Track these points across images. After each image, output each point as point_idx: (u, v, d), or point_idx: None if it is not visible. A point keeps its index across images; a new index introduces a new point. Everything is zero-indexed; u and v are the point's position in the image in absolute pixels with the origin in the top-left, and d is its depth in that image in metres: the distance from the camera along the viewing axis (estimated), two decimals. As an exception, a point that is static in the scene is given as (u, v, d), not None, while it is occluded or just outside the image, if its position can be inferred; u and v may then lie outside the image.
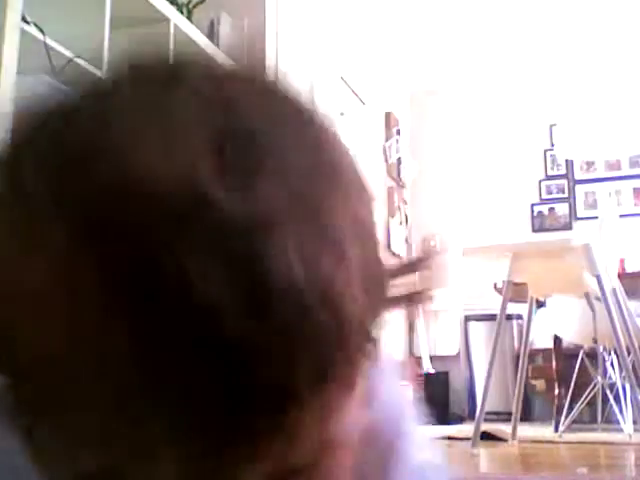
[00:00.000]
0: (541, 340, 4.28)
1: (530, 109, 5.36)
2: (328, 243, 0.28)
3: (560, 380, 3.65)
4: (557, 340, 3.71)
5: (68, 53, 1.99)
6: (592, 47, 4.93)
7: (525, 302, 3.13)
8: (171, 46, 2.49)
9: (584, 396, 3.46)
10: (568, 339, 3.61)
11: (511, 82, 5.41)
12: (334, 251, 0.28)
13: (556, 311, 3.41)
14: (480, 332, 4.70)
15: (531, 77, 5.35)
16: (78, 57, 2.01)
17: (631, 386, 2.78)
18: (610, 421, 3.53)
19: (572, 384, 3.48)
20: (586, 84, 5.13)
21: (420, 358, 4.61)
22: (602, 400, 3.51)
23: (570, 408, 3.42)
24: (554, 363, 3.70)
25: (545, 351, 4.15)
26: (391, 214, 4.94)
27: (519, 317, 4.50)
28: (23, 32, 1.79)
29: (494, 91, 5.46)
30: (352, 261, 0.28)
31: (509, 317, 4.22)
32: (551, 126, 5.35)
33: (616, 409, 3.37)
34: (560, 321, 3.45)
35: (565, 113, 5.18)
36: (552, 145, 5.32)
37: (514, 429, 3.09)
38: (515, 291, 3.15)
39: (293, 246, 0.26)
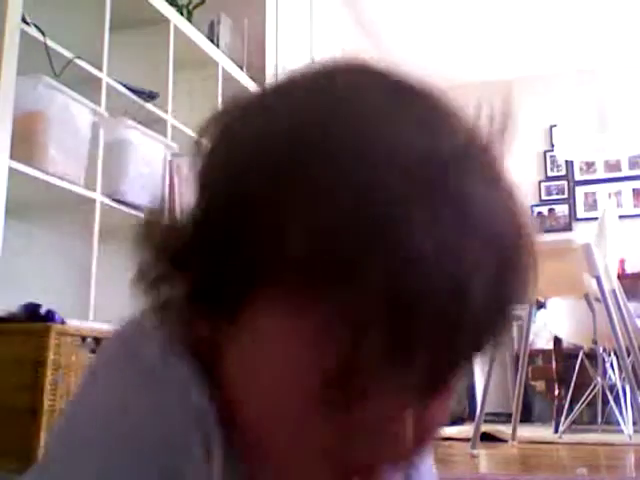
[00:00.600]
0: (541, 341, 4.28)
1: (530, 110, 5.36)
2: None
3: (560, 381, 3.64)
4: (557, 341, 3.71)
5: (68, 54, 1.99)
6: (591, 48, 4.93)
7: (529, 303, 3.12)
8: (171, 47, 2.49)
9: (584, 397, 3.46)
10: (568, 340, 3.60)
11: (511, 83, 5.41)
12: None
13: (556, 312, 3.41)
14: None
15: (531, 78, 5.35)
16: (78, 58, 2.02)
17: (631, 387, 2.77)
18: (610, 422, 3.52)
19: (572, 385, 3.47)
20: (585, 85, 5.13)
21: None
22: (602, 401, 3.51)
23: (570, 409, 3.41)
24: (554, 364, 3.70)
25: (545, 352, 4.14)
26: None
27: (519, 318, 4.49)
28: (23, 33, 1.79)
29: (494, 92, 5.46)
30: None
31: (513, 318, 4.21)
32: (551, 127, 5.35)
33: (616, 410, 3.37)
34: (560, 322, 3.44)
35: (565, 114, 5.17)
36: (552, 146, 5.31)
37: (514, 430, 3.09)
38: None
39: None
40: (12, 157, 1.71)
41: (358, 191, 0.33)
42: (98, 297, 1.93)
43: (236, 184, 0.37)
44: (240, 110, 0.40)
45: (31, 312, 1.64)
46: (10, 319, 1.61)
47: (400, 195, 0.32)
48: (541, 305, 3.49)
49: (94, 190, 2.01)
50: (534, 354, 4.20)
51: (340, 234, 0.33)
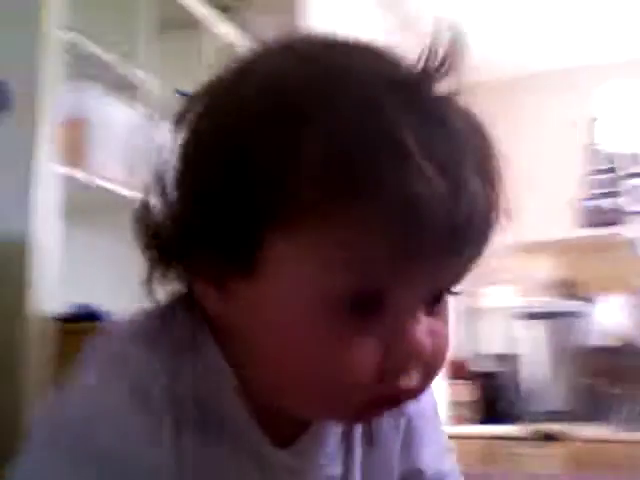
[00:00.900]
0: (601, 338, 4.17)
1: (573, 102, 5.28)
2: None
3: (620, 378, 3.56)
4: (617, 338, 3.63)
5: (110, 58, 2.01)
6: (629, 38, 4.84)
7: (579, 299, 3.06)
8: (207, 49, 2.51)
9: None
10: (627, 336, 3.52)
11: (553, 75, 5.35)
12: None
13: (613, 308, 3.33)
14: (533, 330, 4.61)
15: (576, 70, 5.28)
16: (120, 62, 2.03)
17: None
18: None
19: (634, 382, 3.39)
20: (633, 77, 5.04)
21: (473, 357, 4.55)
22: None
23: (632, 407, 3.33)
24: (615, 361, 3.62)
25: (605, 349, 4.04)
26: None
27: (575, 314, 4.40)
28: (64, 40, 1.81)
29: (536, 83, 5.40)
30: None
31: (564, 314, 4.12)
32: (595, 119, 5.25)
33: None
34: (617, 318, 3.37)
35: (609, 106, 5.08)
36: (596, 139, 5.23)
37: (573, 428, 3.02)
38: (568, 288, 3.07)
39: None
40: (59, 163, 1.74)
41: (358, 111, 0.37)
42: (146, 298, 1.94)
43: (238, 127, 0.41)
44: (231, 74, 0.46)
45: (86, 312, 1.67)
46: (71, 319, 1.64)
47: (399, 115, 0.37)
48: (597, 301, 3.42)
49: (139, 192, 2.02)
50: (593, 351, 4.10)
51: (349, 152, 0.36)
